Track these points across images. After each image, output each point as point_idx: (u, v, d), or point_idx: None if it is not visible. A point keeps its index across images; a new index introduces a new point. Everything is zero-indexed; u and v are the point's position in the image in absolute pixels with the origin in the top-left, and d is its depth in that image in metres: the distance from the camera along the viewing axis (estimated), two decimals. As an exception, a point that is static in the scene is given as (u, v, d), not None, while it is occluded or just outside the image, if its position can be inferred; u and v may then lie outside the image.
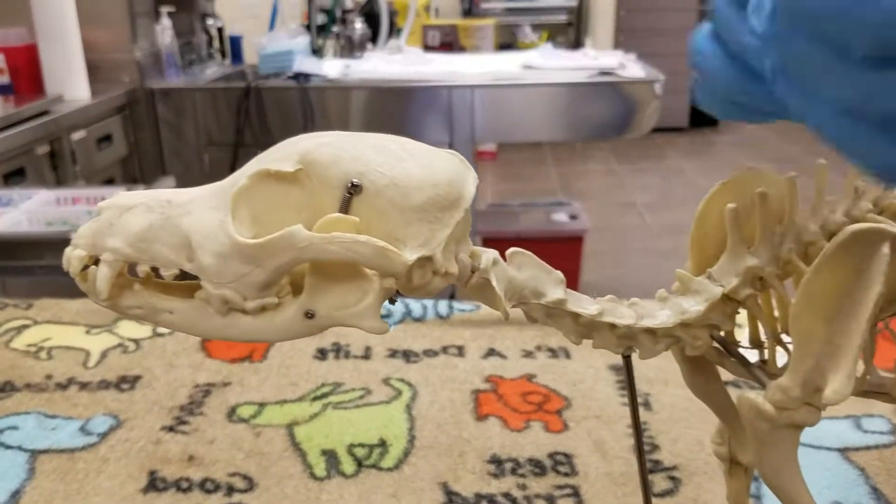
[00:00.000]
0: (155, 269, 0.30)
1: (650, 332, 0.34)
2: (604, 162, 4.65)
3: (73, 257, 0.30)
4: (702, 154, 4.88)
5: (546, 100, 2.30)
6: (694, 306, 0.34)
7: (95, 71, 2.22)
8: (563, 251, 2.49)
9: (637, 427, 0.39)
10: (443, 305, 0.85)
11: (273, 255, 0.28)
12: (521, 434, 0.65)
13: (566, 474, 0.60)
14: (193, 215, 0.29)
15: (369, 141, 0.31)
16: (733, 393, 0.38)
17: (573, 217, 2.70)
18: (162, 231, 0.29)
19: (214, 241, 0.29)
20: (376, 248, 0.28)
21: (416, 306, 0.85)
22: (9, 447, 0.63)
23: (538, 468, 0.61)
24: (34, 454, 0.62)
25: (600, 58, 2.46)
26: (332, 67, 2.46)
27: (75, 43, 2.09)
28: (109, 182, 2.18)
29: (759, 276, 0.34)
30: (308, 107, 2.29)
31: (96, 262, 0.30)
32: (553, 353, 0.78)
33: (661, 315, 0.34)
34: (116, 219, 0.30)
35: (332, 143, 0.30)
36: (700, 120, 5.45)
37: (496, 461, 0.61)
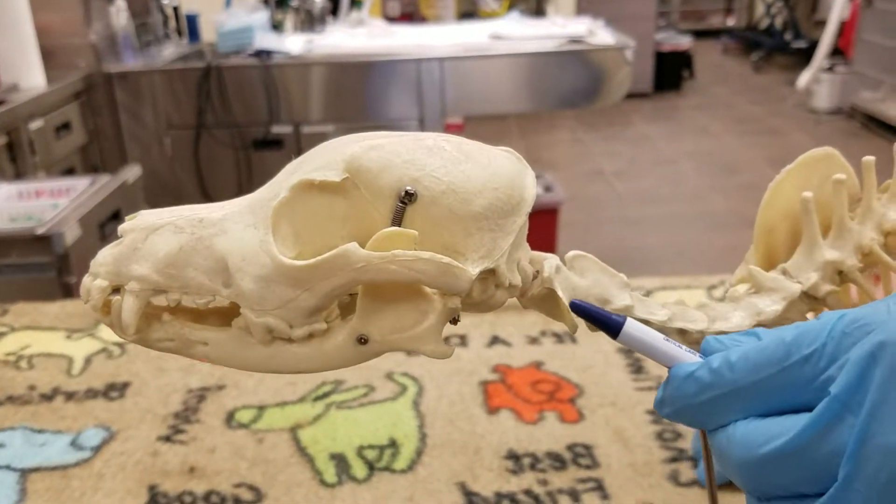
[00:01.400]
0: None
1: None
2: (570, 131, 4.64)
3: (93, 288, 0.26)
4: (667, 119, 4.88)
5: (516, 70, 2.27)
6: (770, 306, 0.32)
7: (50, 57, 2.13)
8: (538, 224, 2.46)
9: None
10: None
11: (326, 278, 0.25)
12: (536, 426, 0.63)
13: (588, 467, 0.58)
14: (229, 234, 0.26)
15: (423, 142, 0.27)
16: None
17: (547, 189, 2.67)
18: (194, 254, 0.26)
19: (255, 264, 0.25)
20: (441, 266, 0.25)
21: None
22: (-4, 468, 0.59)
23: (558, 462, 0.59)
24: (24, 473, 0.58)
25: (569, 25, 2.43)
26: (294, 43, 2.40)
27: (28, 28, 2.00)
28: (70, 172, 2.10)
29: (840, 269, 0.32)
30: (271, 85, 2.23)
31: (117, 289, 0.27)
32: (559, 338, 0.75)
33: (734, 317, 0.32)
34: (142, 242, 0.26)
35: (382, 147, 0.27)
36: (664, 83, 5.45)
37: (513, 457, 0.59)
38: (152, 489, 0.57)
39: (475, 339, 0.75)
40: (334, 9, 2.97)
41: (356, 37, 2.54)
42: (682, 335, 0.31)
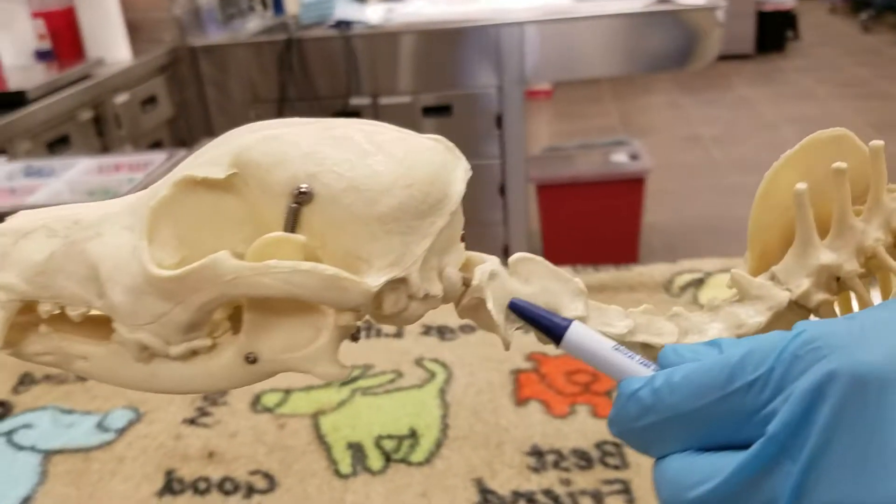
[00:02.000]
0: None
1: (695, 352, 0.27)
2: (666, 94, 4.46)
3: None
4: (770, 81, 4.62)
5: (600, 32, 2.18)
6: (753, 317, 0.27)
7: (135, 31, 2.18)
8: (623, 194, 2.38)
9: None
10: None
11: (195, 291, 0.22)
12: (565, 421, 0.59)
13: (616, 467, 0.54)
14: (104, 238, 0.23)
15: (332, 131, 0.24)
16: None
17: (634, 157, 2.57)
18: (66, 260, 0.23)
19: (127, 273, 0.23)
20: (325, 278, 0.22)
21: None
22: (21, 448, 0.60)
23: (584, 460, 0.55)
24: (47, 455, 0.59)
25: (656, -15, 2.30)
26: (374, 12, 2.38)
27: (113, 3, 2.06)
28: (157, 145, 2.16)
29: (837, 275, 0.27)
30: (351, 56, 2.22)
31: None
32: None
33: (711, 329, 0.27)
34: (11, 247, 0.24)
35: (279, 137, 0.23)
36: (766, 44, 5.16)
37: (537, 453, 0.56)
38: (169, 474, 0.57)
39: (514, 324, 0.72)
40: (418, -25, 2.93)
41: (437, 3, 2.50)
42: (646, 350, 0.27)
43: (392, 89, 2.23)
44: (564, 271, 0.27)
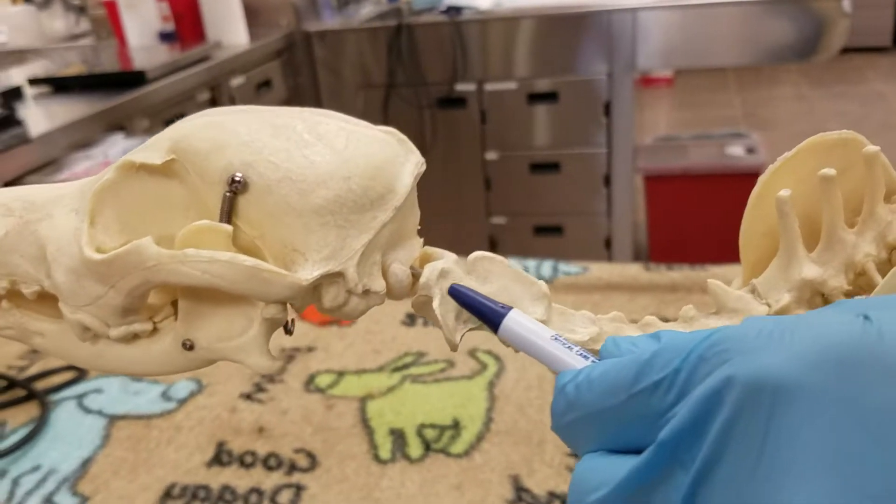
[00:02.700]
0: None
1: (665, 364, 0.25)
2: (793, 86, 4.23)
3: None
4: (910, 75, 4.31)
5: (716, 20, 2.09)
6: None
7: (253, 15, 2.26)
8: (736, 189, 2.27)
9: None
10: (546, 266, 0.77)
11: (123, 276, 0.23)
12: (612, 423, 0.57)
13: (657, 475, 0.52)
14: (53, 220, 0.24)
15: (274, 120, 0.24)
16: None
17: (750, 150, 2.46)
18: (20, 239, 0.24)
19: (67, 254, 0.23)
20: (245, 270, 0.22)
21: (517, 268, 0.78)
22: (90, 411, 0.63)
23: (626, 465, 0.53)
24: (112, 419, 0.62)
25: (781, -29, 2.18)
26: (484, -1, 2.37)
27: (233, -12, 2.13)
28: (269, 126, 2.23)
29: (821, 291, 0.24)
30: (459, 42, 2.22)
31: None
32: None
33: None
34: None
35: (220, 125, 0.23)
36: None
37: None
38: (220, 446, 0.59)
39: (575, 320, 0.70)
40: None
41: (549, -11, 2.46)
42: None
43: (498, 75, 2.22)
44: (527, 273, 0.25)
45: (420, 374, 0.64)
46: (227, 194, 0.23)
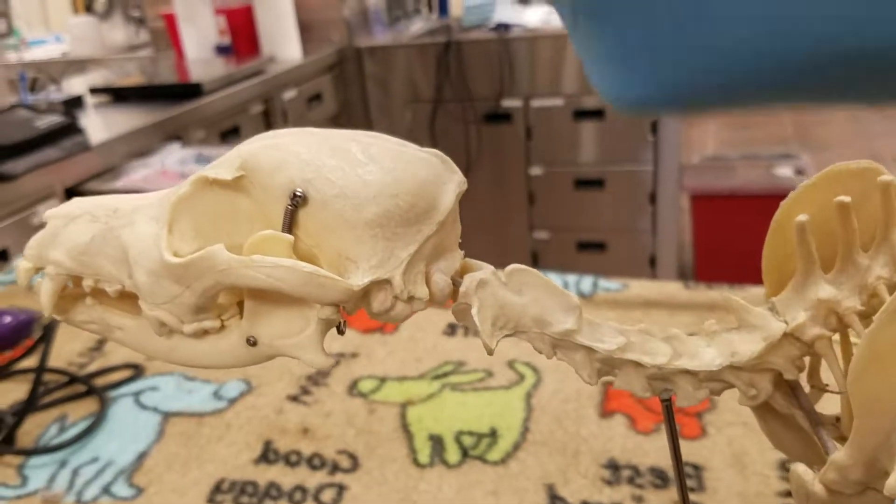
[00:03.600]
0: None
1: (690, 374, 0.27)
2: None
3: (20, 269, 0.28)
4: (973, 96, 4.21)
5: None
6: (747, 345, 0.26)
7: (307, 31, 2.32)
8: (782, 210, 2.26)
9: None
10: (586, 282, 0.79)
11: (198, 278, 0.25)
12: (648, 437, 0.58)
13: (691, 489, 0.53)
14: (135, 226, 0.27)
15: (330, 141, 0.26)
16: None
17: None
18: (104, 243, 0.27)
19: (148, 258, 0.26)
20: (304, 275, 0.24)
21: (556, 282, 0.79)
22: (145, 408, 0.66)
23: (660, 479, 0.54)
24: (167, 416, 0.65)
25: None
26: (533, 15, 2.39)
27: (287, 4, 2.19)
28: (318, 138, 2.28)
29: (836, 311, 0.26)
30: (506, 59, 2.24)
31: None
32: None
33: (705, 355, 0.27)
34: (62, 229, 0.28)
35: (282, 146, 0.26)
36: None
37: (613, 466, 0.55)
38: (267, 444, 0.61)
39: (613, 335, 0.71)
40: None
41: (599, 8, 2.47)
42: (637, 369, 0.27)
43: (545, 92, 2.24)
44: (561, 287, 0.27)
45: (459, 382, 0.66)
46: (289, 207, 0.25)
